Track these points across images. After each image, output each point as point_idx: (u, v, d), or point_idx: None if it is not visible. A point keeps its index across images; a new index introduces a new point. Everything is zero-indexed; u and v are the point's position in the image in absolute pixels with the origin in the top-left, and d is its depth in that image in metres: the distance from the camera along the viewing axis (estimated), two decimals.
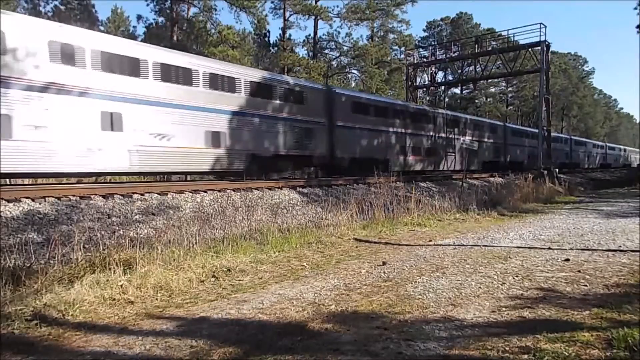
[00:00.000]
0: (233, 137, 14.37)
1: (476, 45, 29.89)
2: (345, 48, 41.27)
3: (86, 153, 11.07)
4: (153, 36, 32.85)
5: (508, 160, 31.50)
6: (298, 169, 17.51)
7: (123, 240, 6.31)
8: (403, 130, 22.08)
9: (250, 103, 14.99)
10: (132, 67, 12.01)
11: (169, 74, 12.83)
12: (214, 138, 13.79)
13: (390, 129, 21.37)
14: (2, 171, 9.72)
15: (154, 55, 12.74)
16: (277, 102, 15.97)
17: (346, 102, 19.12)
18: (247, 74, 15.42)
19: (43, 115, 10.33)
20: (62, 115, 10.66)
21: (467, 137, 25.62)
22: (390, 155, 21.19)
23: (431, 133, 24.22)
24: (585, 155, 48.69)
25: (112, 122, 11.50)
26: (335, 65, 42.81)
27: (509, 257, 6.53)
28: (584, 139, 53.78)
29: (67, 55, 10.81)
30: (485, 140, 28.97)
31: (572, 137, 47.60)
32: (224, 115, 14.09)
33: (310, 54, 41.24)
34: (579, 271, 5.57)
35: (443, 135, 25.21)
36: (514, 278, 5.29)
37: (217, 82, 14.08)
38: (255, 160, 15.10)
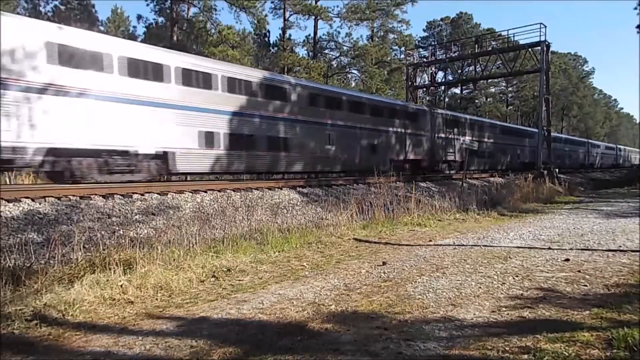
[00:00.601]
0: (383, 147, 20.68)
1: (476, 45, 29.84)
2: (345, 48, 41.26)
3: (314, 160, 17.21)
4: (153, 36, 32.85)
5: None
6: (412, 169, 22.87)
7: (123, 240, 6.30)
8: (475, 139, 26.64)
9: (388, 123, 21.03)
10: (336, 103, 18.44)
11: (354, 107, 19.17)
12: (375, 149, 20.07)
13: (467, 138, 26.33)
14: (282, 170, 16.49)
15: (345, 95, 19.51)
16: (405, 121, 22.05)
17: (440, 118, 24.89)
18: (390, 104, 22.68)
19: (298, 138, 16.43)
20: (309, 137, 16.81)
21: (518, 144, 33.97)
22: (465, 157, 24.62)
23: (494, 140, 30.52)
24: (599, 156, 52.97)
25: (330, 140, 17.79)
26: (335, 65, 42.80)
27: (509, 257, 6.52)
28: (598, 142, 58.10)
29: (311, 102, 17.15)
30: (526, 145, 35.00)
31: (589, 141, 51.96)
32: (378, 133, 20.32)
33: (310, 54, 41.21)
34: (579, 271, 5.57)
35: (501, 142, 31.32)
36: (514, 278, 5.29)
37: (381, 111, 20.71)
38: (392, 163, 20.38)
